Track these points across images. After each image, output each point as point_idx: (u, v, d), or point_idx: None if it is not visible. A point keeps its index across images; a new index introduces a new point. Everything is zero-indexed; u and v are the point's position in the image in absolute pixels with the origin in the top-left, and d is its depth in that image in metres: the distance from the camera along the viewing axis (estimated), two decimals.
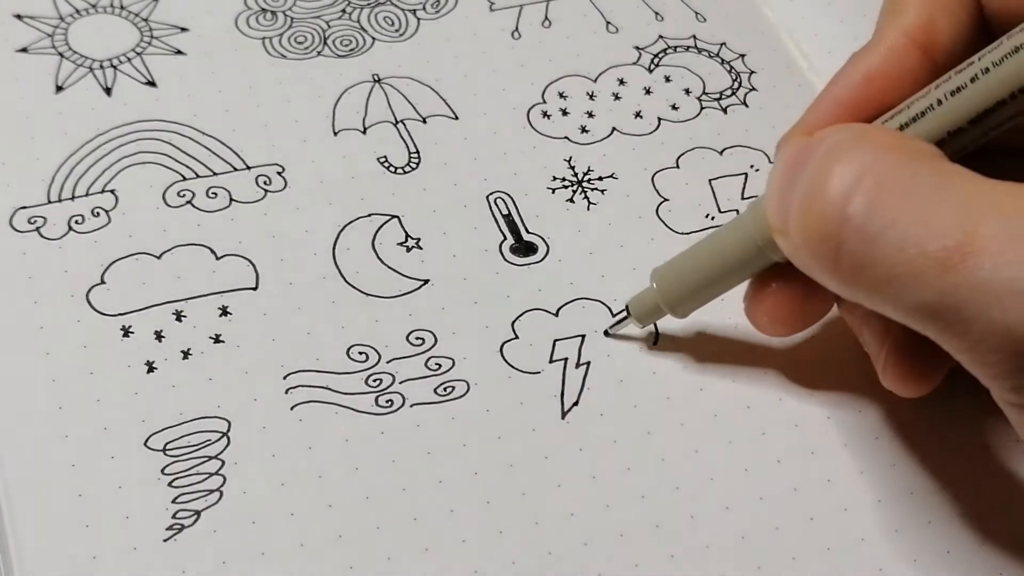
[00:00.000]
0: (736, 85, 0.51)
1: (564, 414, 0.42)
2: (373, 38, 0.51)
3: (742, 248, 0.39)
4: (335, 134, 0.48)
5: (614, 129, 0.49)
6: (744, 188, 0.48)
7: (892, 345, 0.39)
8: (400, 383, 0.42)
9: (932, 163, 0.34)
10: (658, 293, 0.42)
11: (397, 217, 0.46)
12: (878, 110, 0.38)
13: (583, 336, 0.43)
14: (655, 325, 0.43)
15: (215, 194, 0.46)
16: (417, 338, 0.43)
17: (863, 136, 0.35)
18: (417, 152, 0.48)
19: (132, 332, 0.42)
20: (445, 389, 0.42)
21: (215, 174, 0.46)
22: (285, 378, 0.42)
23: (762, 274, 0.40)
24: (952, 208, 0.32)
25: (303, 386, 0.41)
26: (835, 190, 0.34)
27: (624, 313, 0.43)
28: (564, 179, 0.47)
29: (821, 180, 0.34)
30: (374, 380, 0.42)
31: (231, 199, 0.46)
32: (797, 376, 0.43)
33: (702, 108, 0.50)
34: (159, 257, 0.44)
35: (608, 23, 0.53)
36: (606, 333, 0.43)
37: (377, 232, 0.45)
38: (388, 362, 0.42)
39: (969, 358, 0.33)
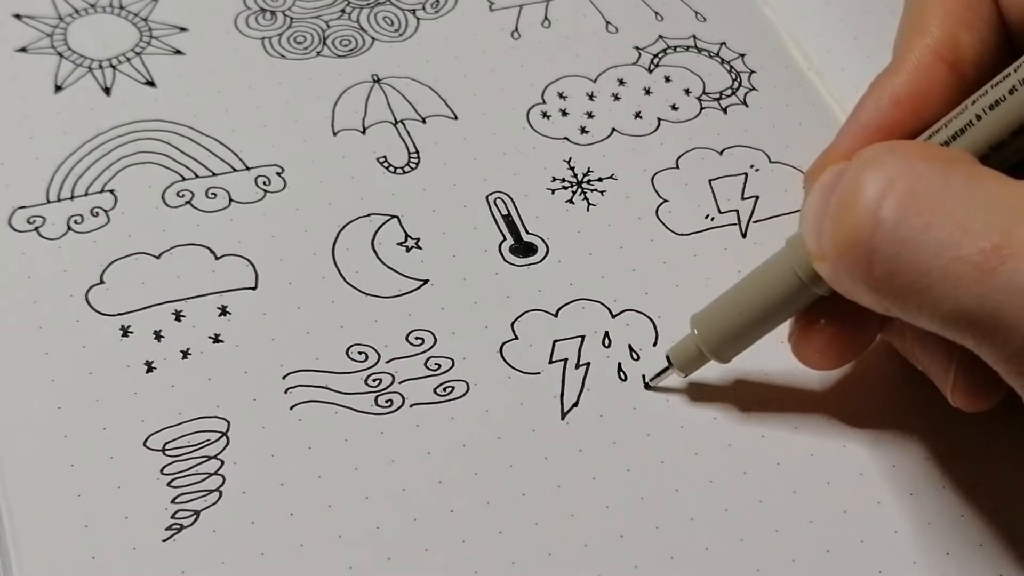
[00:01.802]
0: (736, 85, 0.51)
1: (564, 415, 0.41)
2: (373, 38, 0.51)
3: (784, 285, 0.39)
4: (335, 134, 0.48)
5: (614, 130, 0.49)
6: (744, 188, 0.48)
7: (960, 364, 0.38)
8: (400, 383, 0.42)
9: (964, 167, 0.33)
10: (700, 340, 0.41)
11: (397, 217, 0.46)
12: (908, 131, 0.38)
13: (583, 337, 0.43)
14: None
15: (214, 194, 0.46)
16: (417, 338, 0.43)
17: (894, 146, 0.35)
18: (416, 152, 0.48)
19: (131, 332, 0.42)
20: (445, 389, 0.42)
21: (214, 174, 0.46)
22: (284, 378, 0.42)
23: (807, 311, 0.40)
24: (987, 210, 0.32)
25: (302, 386, 0.41)
26: (866, 196, 0.33)
27: (666, 364, 0.42)
28: (564, 180, 0.47)
29: (852, 189, 0.34)
30: (374, 380, 0.42)
31: (230, 199, 0.46)
32: (796, 381, 0.43)
33: (702, 108, 0.50)
34: (158, 257, 0.44)
35: (608, 23, 0.53)
36: (647, 386, 0.42)
37: (376, 232, 0.45)
38: (388, 362, 0.42)
39: (1009, 368, 0.32)
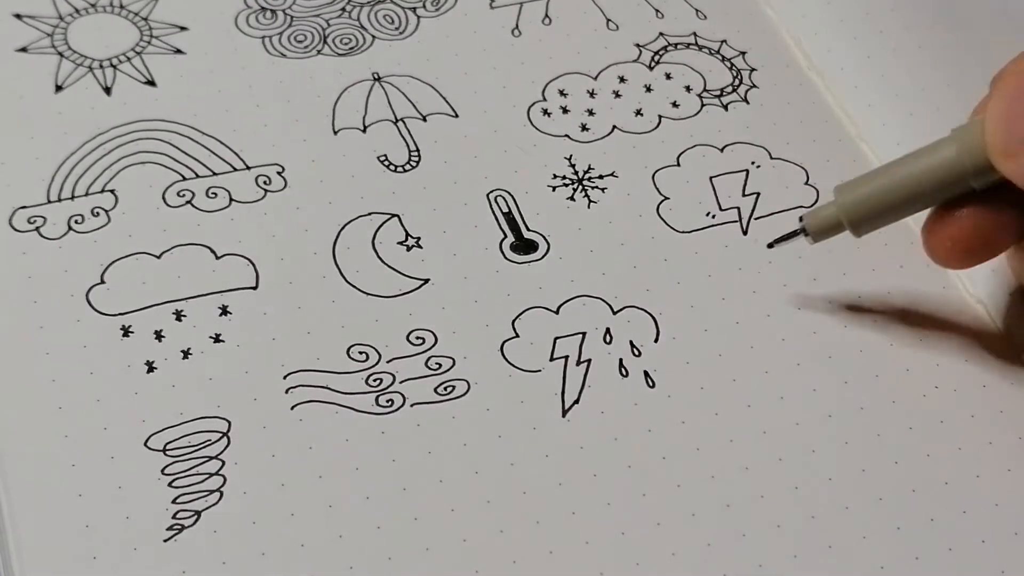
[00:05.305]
0: (737, 82, 0.51)
1: (565, 412, 0.41)
2: (373, 36, 0.51)
3: (942, 171, 0.40)
4: (335, 133, 0.48)
5: (614, 127, 0.49)
6: (745, 185, 0.48)
7: None
8: (400, 383, 0.42)
9: None
10: (841, 209, 0.42)
11: (397, 216, 0.46)
12: None
13: (584, 334, 0.43)
14: None
15: (215, 194, 0.46)
16: (417, 337, 0.43)
17: None
18: (417, 150, 0.48)
19: (132, 332, 0.42)
20: (445, 388, 0.42)
21: (215, 174, 0.46)
22: (285, 378, 0.42)
23: (950, 201, 0.41)
24: None
25: (303, 386, 0.41)
26: None
27: (797, 227, 0.43)
28: (564, 177, 0.47)
29: None
30: (374, 380, 0.42)
31: (231, 199, 0.46)
32: (797, 375, 0.43)
33: (703, 105, 0.50)
34: (159, 257, 0.44)
35: (608, 20, 0.53)
36: (770, 245, 0.44)
37: (377, 231, 0.45)
38: (388, 362, 0.42)
39: None
